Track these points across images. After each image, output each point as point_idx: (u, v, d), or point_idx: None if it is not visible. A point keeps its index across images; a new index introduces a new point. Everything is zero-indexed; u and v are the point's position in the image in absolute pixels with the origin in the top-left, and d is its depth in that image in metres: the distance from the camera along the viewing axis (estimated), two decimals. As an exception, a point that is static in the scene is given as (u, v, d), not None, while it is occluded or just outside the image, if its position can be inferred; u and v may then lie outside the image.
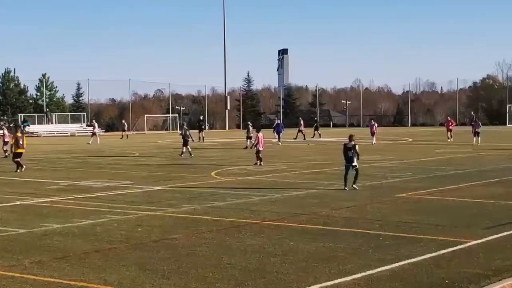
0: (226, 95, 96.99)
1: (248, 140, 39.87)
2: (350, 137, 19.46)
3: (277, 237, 12.06)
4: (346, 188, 18.97)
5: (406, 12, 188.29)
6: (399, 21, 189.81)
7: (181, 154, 34.25)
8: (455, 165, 27.00)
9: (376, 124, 45.95)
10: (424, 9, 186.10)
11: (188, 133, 35.22)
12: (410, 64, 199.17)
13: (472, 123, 44.72)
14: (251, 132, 40.13)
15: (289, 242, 11.60)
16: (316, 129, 56.72)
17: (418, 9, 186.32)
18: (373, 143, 43.00)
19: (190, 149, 34.40)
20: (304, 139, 51.94)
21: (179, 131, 34.93)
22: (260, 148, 28.02)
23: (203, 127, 54.35)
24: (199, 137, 50.69)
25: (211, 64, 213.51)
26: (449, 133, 48.51)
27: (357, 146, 19.43)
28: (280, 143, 45.13)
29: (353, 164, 19.21)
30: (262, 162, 27.80)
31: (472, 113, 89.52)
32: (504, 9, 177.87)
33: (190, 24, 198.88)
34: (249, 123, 45.19)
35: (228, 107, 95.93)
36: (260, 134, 28.43)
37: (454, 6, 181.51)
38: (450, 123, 49.79)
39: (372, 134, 44.47)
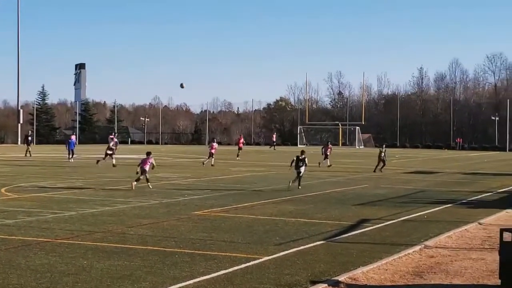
0: (19, 108, 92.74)
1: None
2: (302, 152, 26.26)
3: (70, 256, 11.70)
4: (290, 186, 24.79)
5: (201, 32, 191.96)
6: (193, 40, 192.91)
7: None
8: (250, 184, 27.82)
9: (216, 144, 43.78)
10: (219, 30, 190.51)
11: None
12: (208, 84, 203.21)
13: (323, 146, 44.50)
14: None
15: (83, 261, 11.28)
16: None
17: (213, 30, 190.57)
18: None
19: None
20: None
21: None
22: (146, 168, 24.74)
23: (30, 142, 54.90)
24: (29, 152, 51.07)
25: (3, 75, 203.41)
26: (239, 151, 53.14)
27: (306, 159, 25.91)
28: (72, 160, 44.01)
29: (300, 171, 25.44)
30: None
31: (274, 132, 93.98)
32: (293, 36, 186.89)
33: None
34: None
35: (21, 121, 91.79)
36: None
37: (247, 29, 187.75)
38: (241, 142, 56.40)
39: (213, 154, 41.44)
